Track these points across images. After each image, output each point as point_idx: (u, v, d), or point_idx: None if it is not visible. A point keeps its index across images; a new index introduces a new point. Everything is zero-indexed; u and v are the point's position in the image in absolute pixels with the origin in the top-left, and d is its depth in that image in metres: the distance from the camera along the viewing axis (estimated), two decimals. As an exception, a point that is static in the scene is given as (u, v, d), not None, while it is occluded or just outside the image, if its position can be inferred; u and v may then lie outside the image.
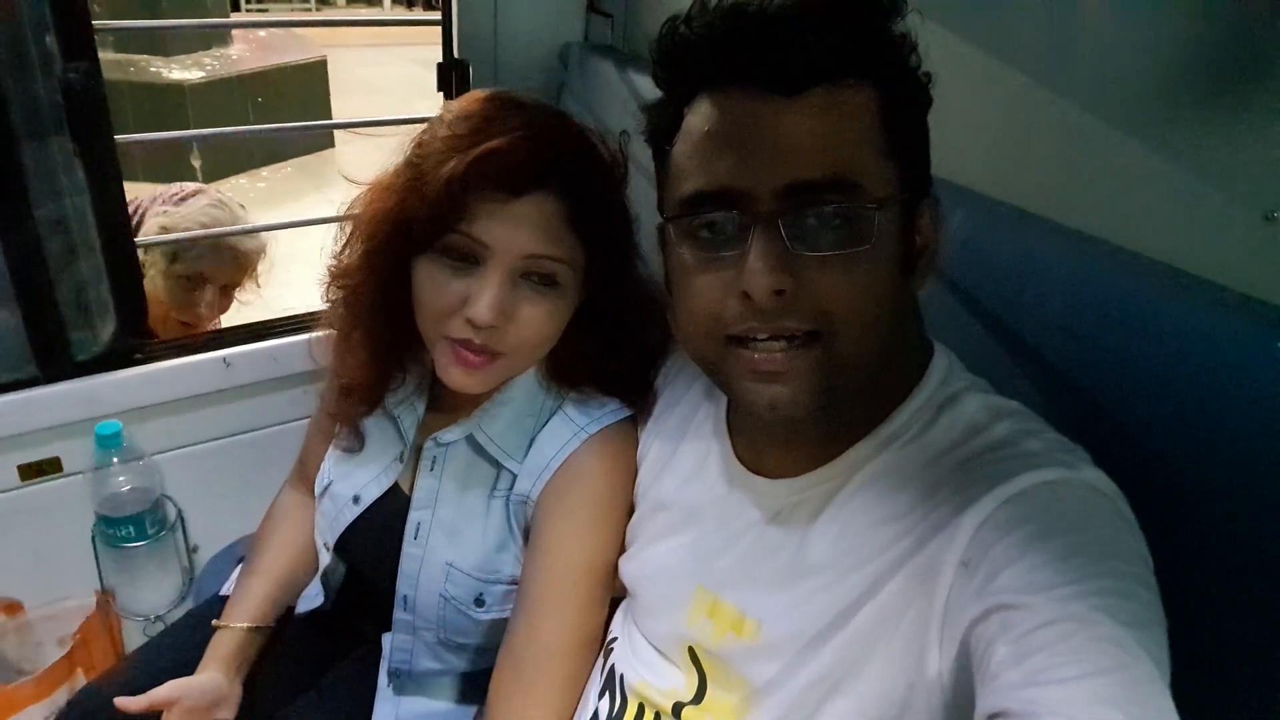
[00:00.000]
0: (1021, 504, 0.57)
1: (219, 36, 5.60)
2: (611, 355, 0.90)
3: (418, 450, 0.96)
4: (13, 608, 1.33)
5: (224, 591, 1.13)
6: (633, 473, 0.89)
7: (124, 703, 0.87)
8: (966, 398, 0.68)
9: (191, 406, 1.39)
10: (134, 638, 1.40)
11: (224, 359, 1.39)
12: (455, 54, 1.58)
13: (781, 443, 0.73)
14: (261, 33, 6.26)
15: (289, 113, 5.71)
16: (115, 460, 1.30)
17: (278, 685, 1.02)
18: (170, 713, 0.90)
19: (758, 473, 0.75)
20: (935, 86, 0.65)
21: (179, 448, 1.41)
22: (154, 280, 1.54)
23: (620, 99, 1.40)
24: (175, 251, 1.55)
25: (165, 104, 5.14)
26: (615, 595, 0.88)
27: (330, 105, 6.22)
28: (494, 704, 0.85)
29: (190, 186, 1.65)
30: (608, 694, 0.80)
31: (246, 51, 5.76)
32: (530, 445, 0.90)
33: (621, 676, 0.80)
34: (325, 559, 1.03)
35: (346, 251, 0.92)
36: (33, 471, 1.30)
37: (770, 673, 0.68)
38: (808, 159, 0.60)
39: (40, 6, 1.12)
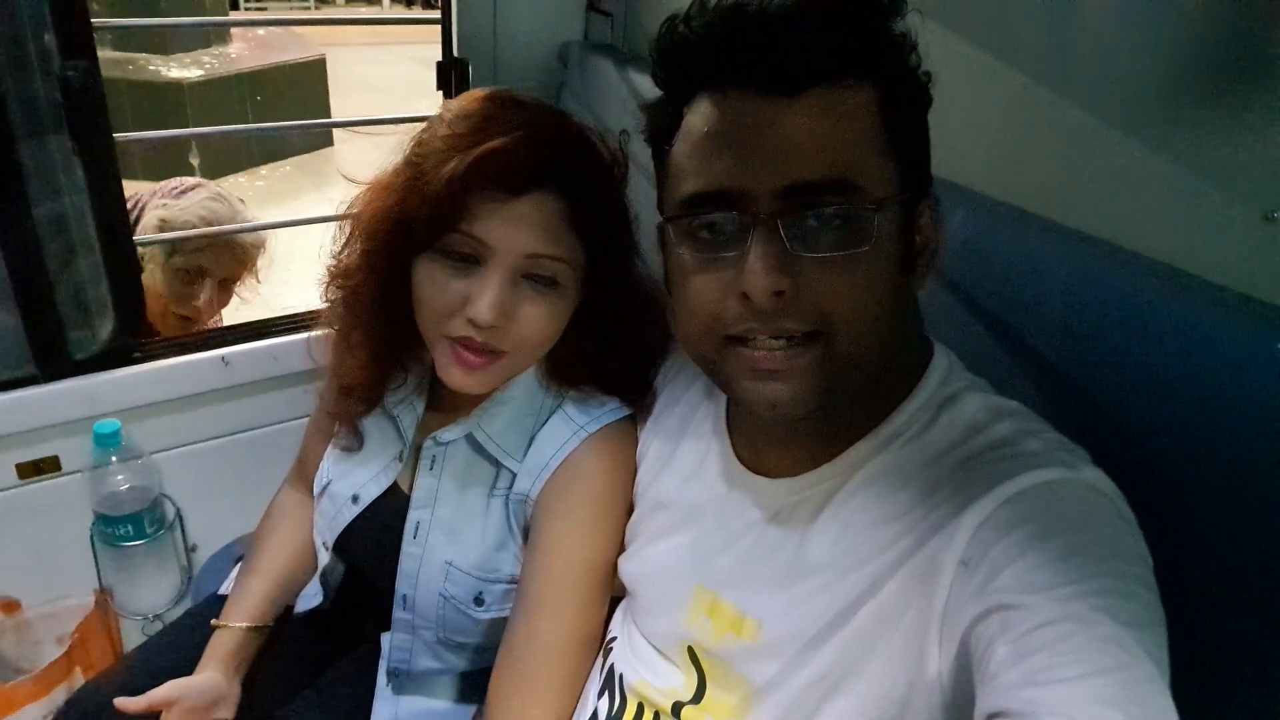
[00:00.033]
0: (1021, 504, 0.57)
1: (218, 35, 5.60)
2: (611, 354, 0.90)
3: (417, 449, 0.96)
4: (11, 606, 1.33)
5: (223, 591, 1.13)
6: (632, 472, 0.89)
7: (123, 703, 0.87)
8: (966, 397, 0.68)
9: (190, 405, 1.39)
10: (132, 637, 1.40)
11: (223, 358, 1.38)
12: (455, 53, 1.58)
13: (781, 442, 0.73)
14: (260, 31, 6.26)
15: (288, 111, 5.70)
16: (114, 459, 1.29)
17: (276, 685, 1.02)
18: (169, 712, 0.90)
19: (757, 472, 0.75)
20: (935, 86, 0.65)
21: (178, 446, 1.41)
22: (153, 274, 1.54)
23: (620, 98, 1.40)
24: (174, 244, 1.55)
25: (164, 102, 5.13)
26: (615, 595, 0.88)
27: (329, 104, 6.22)
28: (493, 703, 0.85)
29: (189, 181, 1.65)
30: (607, 693, 0.80)
31: (245, 50, 5.76)
32: (530, 444, 0.90)
33: (621, 676, 0.80)
34: (324, 558, 1.03)
35: (346, 251, 0.92)
36: (31, 470, 1.30)
37: (770, 672, 0.68)
38: (807, 159, 0.60)
39: (39, 5, 1.11)
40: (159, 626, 1.36)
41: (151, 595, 1.40)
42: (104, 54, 1.22)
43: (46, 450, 1.30)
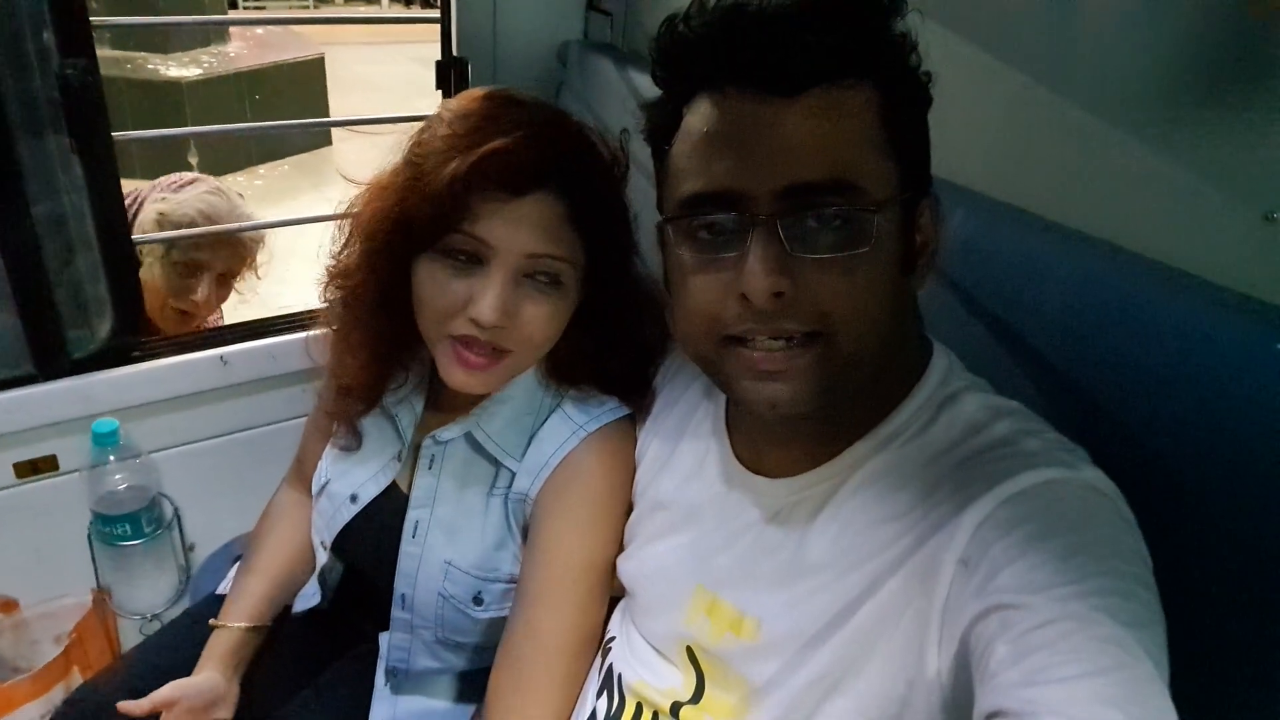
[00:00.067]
0: (1021, 503, 0.57)
1: (217, 34, 5.59)
2: (611, 354, 0.90)
3: (415, 448, 0.96)
4: (9, 605, 1.33)
5: (221, 590, 1.12)
6: (631, 471, 0.89)
7: (126, 706, 0.87)
8: (966, 397, 0.67)
9: (188, 404, 1.39)
10: (130, 636, 1.40)
11: (221, 357, 1.38)
12: (454, 52, 1.58)
13: (781, 442, 0.73)
14: (259, 30, 6.26)
15: (286, 110, 5.71)
16: (112, 458, 1.29)
17: (275, 684, 1.02)
18: (169, 713, 0.90)
19: (757, 472, 0.75)
20: (935, 86, 0.65)
21: (176, 446, 1.41)
22: (151, 267, 1.53)
23: (619, 97, 1.39)
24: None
25: (163, 101, 5.13)
26: (614, 595, 0.88)
27: (328, 103, 6.22)
28: (492, 702, 0.85)
29: (188, 175, 1.65)
30: (605, 693, 0.80)
31: (244, 49, 5.76)
32: (529, 443, 0.90)
33: (619, 676, 0.80)
34: (322, 558, 1.03)
35: (345, 252, 0.92)
36: (29, 469, 1.30)
37: (769, 672, 0.68)
38: (807, 160, 0.60)
39: (38, 3, 1.11)
40: (157, 626, 1.36)
41: (149, 595, 1.40)
42: (103, 53, 1.22)
43: (44, 449, 1.30)
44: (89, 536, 1.35)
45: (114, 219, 1.25)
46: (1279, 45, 0.68)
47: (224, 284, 1.63)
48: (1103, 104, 0.81)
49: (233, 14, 8.08)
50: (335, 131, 6.15)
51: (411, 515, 0.94)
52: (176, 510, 1.42)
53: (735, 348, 0.64)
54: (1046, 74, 0.86)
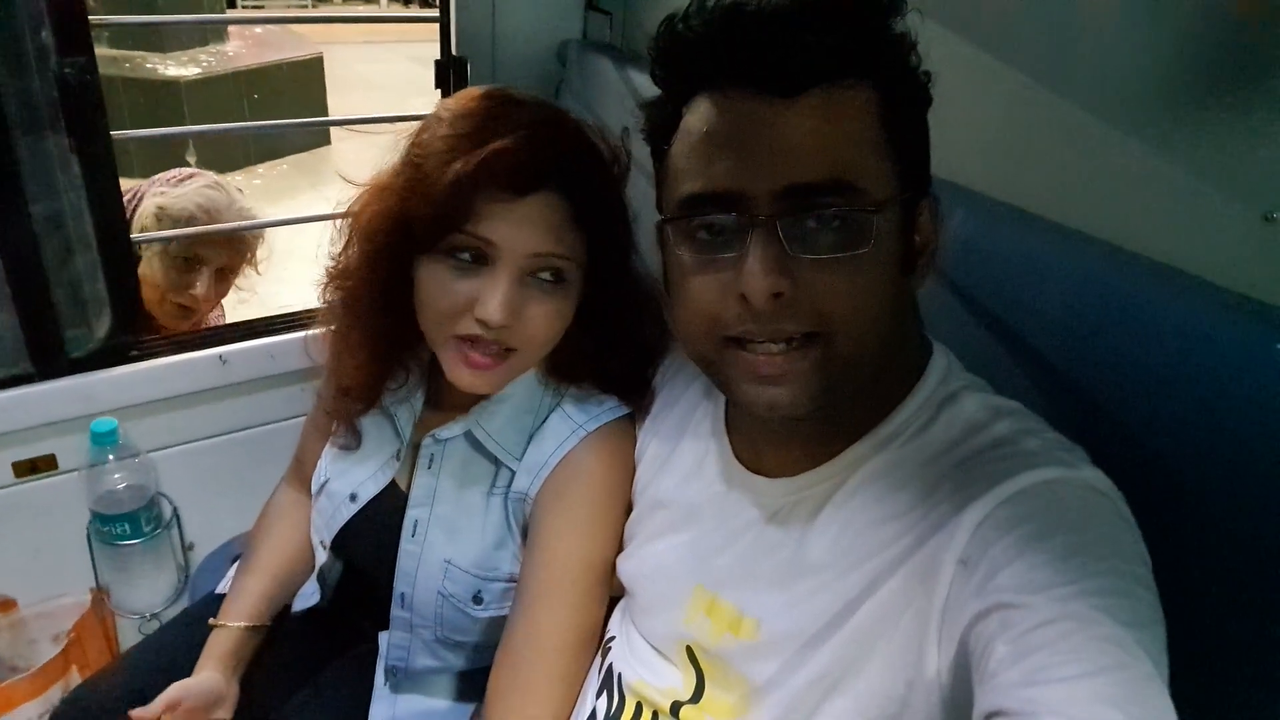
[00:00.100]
0: (1021, 503, 0.57)
1: (215, 33, 5.58)
2: (611, 353, 0.90)
3: (415, 447, 0.96)
4: (7, 605, 1.33)
5: (220, 590, 1.12)
6: (631, 470, 0.89)
7: (139, 714, 0.86)
8: (965, 397, 0.67)
9: (187, 404, 1.39)
10: (129, 635, 1.40)
11: (220, 356, 1.38)
12: (454, 51, 1.58)
13: (780, 442, 0.73)
14: (258, 29, 6.24)
15: (285, 109, 5.70)
16: (110, 457, 1.29)
17: (274, 684, 1.02)
18: (171, 714, 0.89)
19: (756, 472, 0.74)
20: (935, 86, 0.65)
21: (175, 445, 1.41)
22: (150, 262, 1.53)
23: (619, 97, 1.39)
24: None
25: (161, 100, 5.12)
26: (613, 594, 0.88)
27: (326, 102, 6.21)
28: (492, 701, 0.85)
29: (187, 170, 1.65)
30: (605, 693, 0.80)
31: (243, 48, 5.75)
32: (529, 442, 0.90)
33: (619, 675, 0.80)
34: (322, 557, 1.03)
35: (344, 252, 0.92)
36: (27, 469, 1.30)
37: (769, 672, 0.68)
38: (806, 161, 0.60)
39: (37, 2, 1.11)
40: (156, 625, 1.36)
41: (148, 594, 1.40)
42: (101, 52, 1.21)
43: (43, 449, 1.30)
44: (88, 536, 1.35)
45: (113, 218, 1.25)
46: (1278, 45, 0.68)
47: (224, 279, 1.63)
48: (1102, 104, 0.81)
49: (231, 13, 8.06)
50: (334, 131, 6.15)
51: (411, 514, 0.94)
52: (175, 509, 1.42)
53: (735, 350, 0.64)
54: (1046, 74, 0.86)
